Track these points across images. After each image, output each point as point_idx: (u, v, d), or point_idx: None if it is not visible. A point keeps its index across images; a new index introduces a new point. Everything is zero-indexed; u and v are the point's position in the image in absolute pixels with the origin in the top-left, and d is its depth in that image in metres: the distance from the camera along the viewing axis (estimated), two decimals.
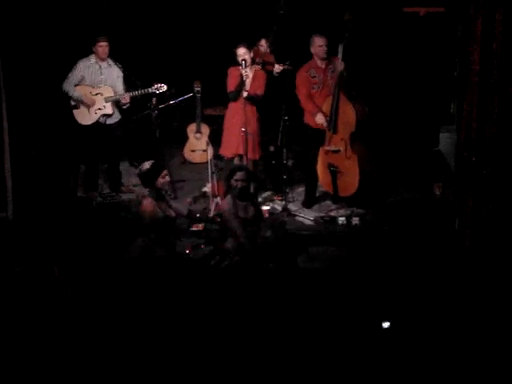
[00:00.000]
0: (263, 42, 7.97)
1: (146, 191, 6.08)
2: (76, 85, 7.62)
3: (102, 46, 7.57)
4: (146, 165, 5.90)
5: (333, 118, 7.25)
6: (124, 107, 7.77)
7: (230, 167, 6.40)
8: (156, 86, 7.66)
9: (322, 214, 7.45)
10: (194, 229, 7.10)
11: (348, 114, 7.24)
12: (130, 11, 8.92)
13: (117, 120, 7.80)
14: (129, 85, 7.77)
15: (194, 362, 5.07)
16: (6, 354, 5.13)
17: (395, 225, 7.14)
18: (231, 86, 7.39)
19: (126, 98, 7.63)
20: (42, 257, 6.36)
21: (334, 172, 7.37)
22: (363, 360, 5.03)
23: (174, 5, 9.08)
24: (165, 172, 5.91)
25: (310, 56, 7.38)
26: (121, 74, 7.71)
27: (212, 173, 7.47)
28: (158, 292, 5.73)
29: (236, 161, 7.47)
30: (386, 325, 5.32)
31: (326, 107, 7.31)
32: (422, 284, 5.93)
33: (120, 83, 7.72)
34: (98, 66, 7.64)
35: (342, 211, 7.46)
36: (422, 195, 7.82)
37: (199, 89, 8.38)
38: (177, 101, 8.02)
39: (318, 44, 7.25)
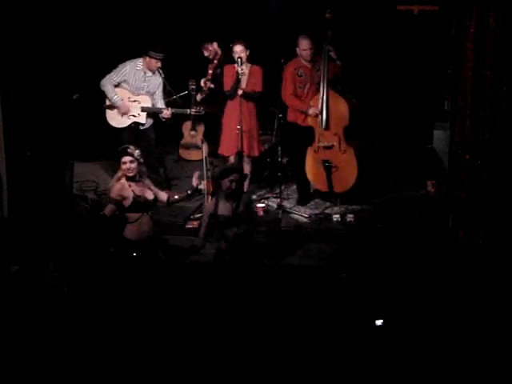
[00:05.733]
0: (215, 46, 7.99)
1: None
2: (115, 86, 7.52)
3: (158, 63, 7.46)
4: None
5: (323, 114, 7.29)
6: (164, 120, 7.64)
7: (223, 167, 6.30)
8: (198, 108, 7.66)
9: (317, 212, 7.47)
10: (189, 226, 7.13)
11: (340, 108, 7.27)
12: (126, 10, 8.91)
13: (149, 125, 7.71)
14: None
15: (190, 358, 5.10)
16: (4, 353, 5.15)
17: (389, 222, 7.16)
18: (228, 84, 7.39)
19: (167, 113, 7.55)
20: (37, 254, 6.38)
21: (328, 168, 7.37)
22: (358, 357, 5.06)
23: (167, 3, 9.08)
24: (125, 159, 5.94)
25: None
26: (161, 82, 7.62)
27: (207, 170, 7.47)
28: (154, 288, 5.74)
29: (233, 159, 7.48)
30: (379, 322, 5.35)
31: (315, 104, 7.32)
32: (416, 281, 5.96)
33: (160, 91, 7.64)
34: (143, 73, 7.53)
35: (336, 208, 7.48)
36: (415, 192, 7.86)
37: (194, 87, 8.38)
38: (171, 99, 8.02)
39: (303, 47, 7.28)
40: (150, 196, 5.99)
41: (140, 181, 6.00)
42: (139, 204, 5.89)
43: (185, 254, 6.18)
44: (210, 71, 8.01)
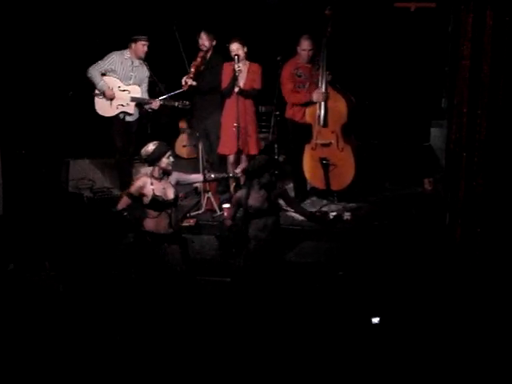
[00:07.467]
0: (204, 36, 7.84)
1: None
2: (104, 74, 7.55)
3: (144, 46, 7.53)
4: (151, 145, 5.83)
5: (322, 112, 7.27)
6: (149, 111, 7.69)
7: (262, 160, 6.21)
8: (184, 102, 7.63)
9: (314, 209, 7.45)
10: (185, 224, 7.11)
11: (339, 106, 7.27)
12: (122, 9, 8.88)
13: (135, 118, 7.74)
14: (151, 88, 7.78)
15: (187, 354, 5.09)
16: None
17: (386, 219, 7.16)
18: (225, 82, 7.37)
19: (156, 104, 7.59)
20: (33, 252, 6.36)
21: (326, 165, 7.36)
22: (355, 354, 5.06)
23: (164, 4, 9.05)
24: (169, 153, 5.87)
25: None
26: (148, 75, 7.68)
27: (203, 168, 7.46)
28: (152, 286, 5.72)
29: (232, 158, 7.45)
30: (375, 320, 5.34)
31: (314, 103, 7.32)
32: (414, 278, 5.96)
33: (146, 84, 7.71)
34: (130, 62, 7.60)
35: (333, 206, 7.48)
36: (412, 190, 7.86)
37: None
38: (167, 96, 7.99)
39: (303, 48, 7.29)
40: (170, 195, 5.83)
41: (164, 178, 5.89)
42: (158, 203, 5.82)
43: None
44: (193, 69, 7.83)
